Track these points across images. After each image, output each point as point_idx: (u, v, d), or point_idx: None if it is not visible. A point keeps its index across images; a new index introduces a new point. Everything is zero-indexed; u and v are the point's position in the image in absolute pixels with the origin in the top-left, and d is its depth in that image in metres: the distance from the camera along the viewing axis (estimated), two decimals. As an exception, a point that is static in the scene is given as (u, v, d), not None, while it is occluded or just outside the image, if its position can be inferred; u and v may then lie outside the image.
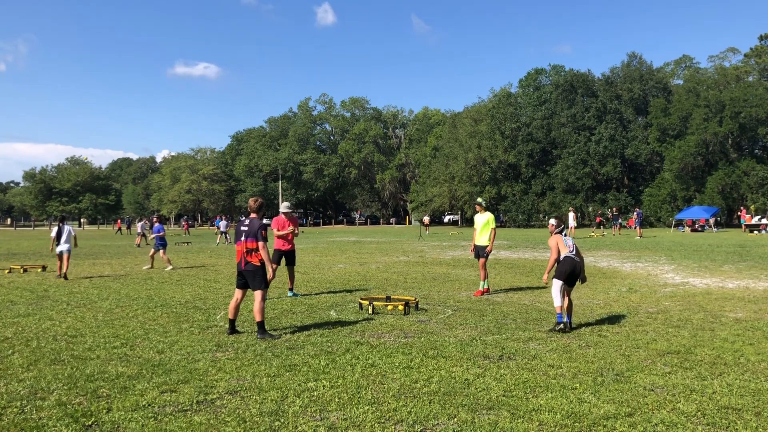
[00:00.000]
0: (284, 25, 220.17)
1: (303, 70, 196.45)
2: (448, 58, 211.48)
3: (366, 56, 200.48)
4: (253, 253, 7.34)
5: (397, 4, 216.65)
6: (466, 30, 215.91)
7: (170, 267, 16.68)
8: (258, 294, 7.38)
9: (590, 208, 55.77)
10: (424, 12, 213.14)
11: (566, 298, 7.67)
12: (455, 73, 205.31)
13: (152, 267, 16.96)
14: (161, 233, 17.28)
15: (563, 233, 8.02)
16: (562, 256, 7.73)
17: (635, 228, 34.38)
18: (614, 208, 46.09)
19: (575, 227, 34.96)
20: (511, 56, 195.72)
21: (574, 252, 7.76)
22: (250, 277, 7.35)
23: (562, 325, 7.49)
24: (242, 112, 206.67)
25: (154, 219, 19.50)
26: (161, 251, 16.95)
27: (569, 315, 7.66)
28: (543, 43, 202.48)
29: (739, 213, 46.44)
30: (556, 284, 7.62)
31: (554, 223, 8.06)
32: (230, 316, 7.48)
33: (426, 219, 49.60)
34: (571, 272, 7.63)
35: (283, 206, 11.24)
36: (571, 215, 34.70)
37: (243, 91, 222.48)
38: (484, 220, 11.06)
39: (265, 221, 7.54)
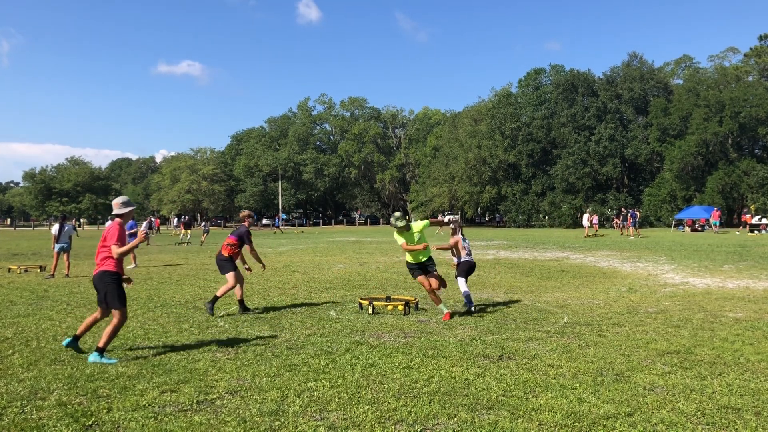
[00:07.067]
0: (270, 22, 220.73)
1: (299, 70, 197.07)
2: (440, 56, 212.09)
3: (360, 56, 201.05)
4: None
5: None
6: (454, 27, 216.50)
7: (131, 266, 17.18)
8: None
9: (590, 208, 55.84)
10: (408, 8, 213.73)
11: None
12: (448, 73, 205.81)
13: (136, 265, 17.28)
14: (134, 230, 17.86)
15: (462, 233, 9.51)
16: (462, 258, 9.35)
17: (631, 228, 34.57)
18: (622, 209, 46.27)
19: (589, 227, 35.56)
20: (501, 54, 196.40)
21: (469, 252, 9.48)
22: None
23: (470, 305, 8.94)
24: (240, 113, 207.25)
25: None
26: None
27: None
28: (531, 40, 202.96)
29: (740, 213, 46.42)
30: (461, 280, 9.30)
31: (453, 225, 9.57)
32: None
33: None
34: (469, 270, 9.39)
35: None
36: (586, 216, 35.66)
37: (237, 90, 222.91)
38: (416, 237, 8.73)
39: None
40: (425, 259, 8.68)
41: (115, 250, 6.14)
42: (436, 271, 8.75)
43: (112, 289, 6.15)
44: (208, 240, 32.43)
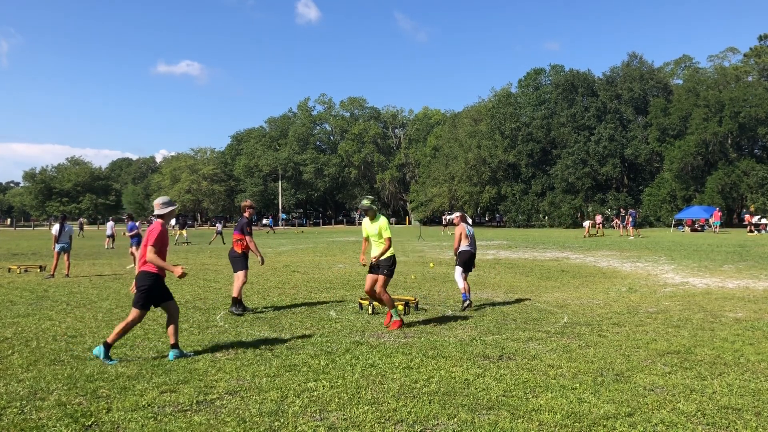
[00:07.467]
0: (269, 22, 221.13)
1: (299, 70, 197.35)
2: (440, 56, 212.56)
3: (359, 56, 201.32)
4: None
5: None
6: (454, 27, 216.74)
7: (132, 266, 17.10)
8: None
9: (590, 208, 55.90)
10: (407, 8, 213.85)
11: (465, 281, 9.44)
12: (448, 73, 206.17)
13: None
14: (134, 231, 17.71)
15: (468, 223, 9.79)
16: (463, 247, 9.50)
17: (630, 228, 34.72)
18: (621, 209, 46.49)
19: (590, 227, 36.46)
20: (501, 54, 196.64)
21: (471, 243, 9.59)
22: None
23: (468, 302, 9.09)
24: (240, 113, 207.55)
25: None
26: (134, 247, 17.40)
27: (469, 293, 9.34)
28: (531, 40, 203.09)
29: (738, 214, 46.52)
30: (458, 270, 9.46)
31: (458, 215, 9.88)
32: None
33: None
34: (468, 260, 9.48)
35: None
36: (587, 223, 36.83)
37: (237, 90, 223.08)
38: (376, 229, 7.94)
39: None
40: (383, 258, 7.86)
41: (150, 254, 6.06)
42: (386, 273, 7.86)
43: (142, 291, 6.07)
44: (218, 240, 32.30)
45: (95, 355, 5.99)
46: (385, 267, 7.86)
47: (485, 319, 8.41)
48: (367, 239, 8.23)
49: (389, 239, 7.85)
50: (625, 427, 4.14)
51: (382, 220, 7.91)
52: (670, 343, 6.70)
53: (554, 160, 60.18)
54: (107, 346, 6.01)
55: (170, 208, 6.41)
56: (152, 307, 6.27)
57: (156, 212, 6.37)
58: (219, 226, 35.20)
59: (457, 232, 9.62)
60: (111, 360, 6.01)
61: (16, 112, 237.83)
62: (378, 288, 7.82)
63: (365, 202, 7.88)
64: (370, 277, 7.94)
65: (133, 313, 6.10)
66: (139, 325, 8.04)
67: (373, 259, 7.88)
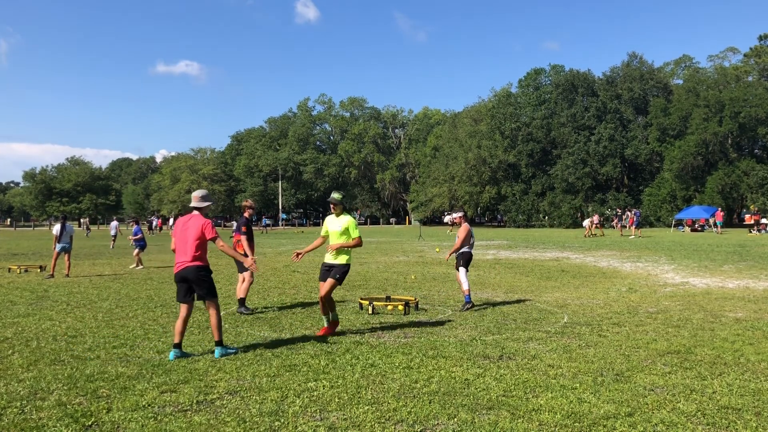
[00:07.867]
0: (268, 22, 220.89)
1: (299, 70, 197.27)
2: (440, 56, 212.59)
3: (359, 55, 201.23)
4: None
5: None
6: (454, 26, 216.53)
7: (133, 266, 17.24)
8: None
9: (590, 208, 55.93)
10: (406, 8, 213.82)
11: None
12: (448, 73, 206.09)
13: (139, 266, 17.18)
14: (139, 235, 17.85)
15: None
16: (465, 248, 9.50)
17: (633, 227, 34.78)
18: (618, 209, 46.55)
19: (590, 227, 36.63)
20: (501, 54, 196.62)
21: (471, 244, 9.64)
22: None
23: (470, 304, 9.14)
24: (240, 113, 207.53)
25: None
26: (136, 250, 17.47)
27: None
28: (531, 40, 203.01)
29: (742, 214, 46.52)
30: (462, 271, 9.43)
31: (461, 214, 9.91)
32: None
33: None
34: (469, 260, 9.59)
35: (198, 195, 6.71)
36: (587, 222, 36.98)
37: (236, 90, 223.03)
38: (341, 226, 7.44)
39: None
40: (337, 260, 7.35)
41: (221, 242, 6.31)
42: (338, 278, 7.27)
43: (209, 283, 6.29)
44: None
45: (220, 356, 6.12)
46: (338, 272, 7.25)
47: (485, 319, 8.41)
48: (324, 238, 7.67)
49: (359, 238, 7.38)
50: (625, 427, 4.14)
51: (350, 219, 7.42)
52: (670, 343, 6.70)
53: (554, 160, 60.20)
54: (221, 343, 6.25)
55: (208, 203, 6.53)
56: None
57: (193, 204, 6.50)
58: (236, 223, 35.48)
59: (461, 232, 9.55)
60: (232, 348, 6.31)
61: (16, 112, 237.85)
62: (324, 291, 7.21)
63: (336, 195, 7.45)
64: (322, 285, 7.34)
65: (214, 305, 6.29)
66: (139, 325, 8.06)
67: (329, 248, 7.37)
